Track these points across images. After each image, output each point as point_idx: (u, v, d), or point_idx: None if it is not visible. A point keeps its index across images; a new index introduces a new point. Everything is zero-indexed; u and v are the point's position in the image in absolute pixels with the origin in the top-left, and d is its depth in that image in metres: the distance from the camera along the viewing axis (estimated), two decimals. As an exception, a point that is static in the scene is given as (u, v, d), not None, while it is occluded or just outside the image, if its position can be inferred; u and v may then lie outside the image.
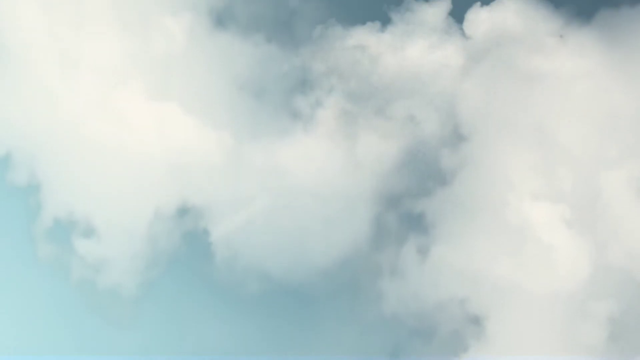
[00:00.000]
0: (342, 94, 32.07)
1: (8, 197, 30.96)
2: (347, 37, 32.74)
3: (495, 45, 31.74)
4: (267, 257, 30.48)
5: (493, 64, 31.48)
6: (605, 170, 29.62)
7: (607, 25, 30.83)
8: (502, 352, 28.56)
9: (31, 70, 31.38)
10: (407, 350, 29.72)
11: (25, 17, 31.66)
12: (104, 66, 31.47)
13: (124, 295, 30.41)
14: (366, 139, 31.47)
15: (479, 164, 30.42)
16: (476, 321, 28.98)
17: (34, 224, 30.81)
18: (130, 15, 31.92)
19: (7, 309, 30.17)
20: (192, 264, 30.81)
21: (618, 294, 28.60)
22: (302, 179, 30.94)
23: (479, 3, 32.30)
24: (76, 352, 29.81)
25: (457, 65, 32.10)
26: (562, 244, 28.95)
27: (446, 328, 29.28)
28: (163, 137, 31.10)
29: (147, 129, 31.14)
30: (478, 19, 32.24)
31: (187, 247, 30.85)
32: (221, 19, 32.35)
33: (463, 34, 32.45)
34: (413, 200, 30.77)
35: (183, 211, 30.81)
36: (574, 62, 30.85)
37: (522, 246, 29.11)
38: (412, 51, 32.43)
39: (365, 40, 32.68)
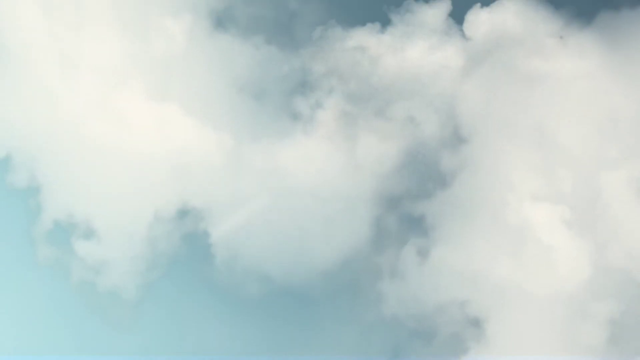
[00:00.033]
0: (342, 95, 32.06)
1: (8, 199, 30.96)
2: (347, 38, 32.72)
3: (495, 46, 31.72)
4: (267, 258, 30.49)
5: (493, 65, 31.46)
6: (605, 171, 29.61)
7: (607, 27, 30.83)
8: (502, 353, 28.57)
9: (31, 71, 31.37)
10: (407, 352, 29.73)
11: (25, 18, 31.65)
12: (104, 67, 31.46)
13: (124, 297, 30.42)
14: (366, 140, 31.47)
15: (479, 165, 30.41)
16: (476, 323, 28.98)
17: (34, 225, 30.82)
18: (131, 16, 31.89)
19: (7, 310, 30.19)
20: (192, 266, 30.82)
21: (618, 295, 28.60)
22: (302, 180, 30.93)
23: (479, 4, 32.28)
24: (76, 354, 29.81)
25: (457, 67, 32.08)
26: (562, 245, 28.94)
27: (446, 330, 29.28)
28: (163, 138, 31.08)
29: (147, 130, 31.13)
30: (478, 20, 32.21)
31: (187, 249, 30.88)
32: (221, 21, 32.38)
33: (463, 35, 32.44)
34: (413, 201, 30.78)
35: (183, 213, 30.81)
36: (574, 63, 30.83)
37: (522, 247, 29.10)
38: (412, 52, 32.42)
39: (365, 41, 32.65)
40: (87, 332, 30.12)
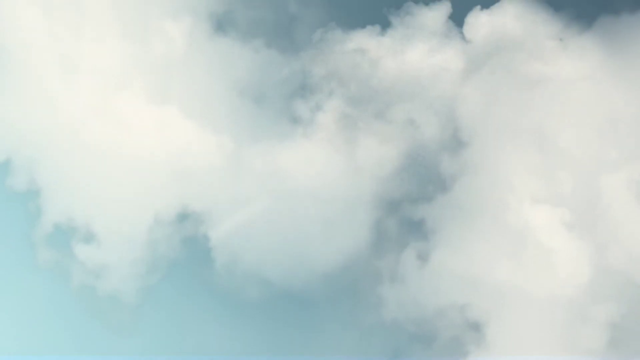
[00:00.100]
0: (342, 98, 32.05)
1: (8, 203, 30.97)
2: (347, 40, 32.71)
3: (495, 49, 31.70)
4: (267, 261, 30.47)
5: (493, 67, 31.44)
6: (606, 174, 29.59)
7: (607, 31, 30.85)
8: (503, 356, 28.56)
9: (31, 74, 31.36)
10: (407, 356, 29.70)
11: (25, 21, 31.63)
12: (104, 70, 31.45)
13: (124, 300, 30.42)
14: (366, 142, 31.46)
15: (479, 168, 30.39)
16: (476, 327, 28.96)
17: (34, 229, 30.81)
18: (130, 19, 31.89)
19: (7, 314, 30.18)
20: (192, 269, 30.82)
21: (618, 297, 28.58)
22: (302, 183, 30.92)
23: (479, 7, 32.26)
24: (76, 357, 29.82)
25: (457, 69, 32.07)
26: (562, 248, 28.93)
27: (446, 334, 29.26)
28: (163, 141, 31.07)
29: (147, 133, 31.12)
30: (478, 22, 32.21)
31: (187, 253, 30.88)
32: (221, 24, 32.38)
33: (463, 37, 32.43)
34: (413, 205, 30.76)
35: (183, 216, 30.80)
36: (574, 66, 30.82)
37: (523, 250, 29.09)
38: (412, 55, 32.40)
39: (365, 44, 32.65)
40: (88, 335, 30.12)
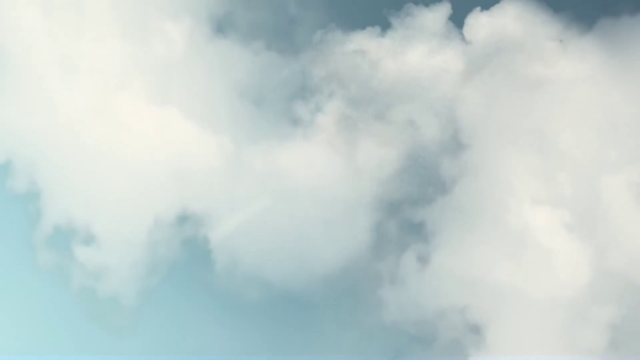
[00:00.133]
0: (342, 99, 32.04)
1: (8, 204, 30.97)
2: (347, 42, 32.71)
3: (495, 50, 31.69)
4: (267, 263, 30.48)
5: (493, 68, 31.44)
6: (606, 175, 29.59)
7: (607, 33, 30.84)
8: (503, 357, 28.56)
9: (31, 76, 31.36)
10: (407, 358, 29.73)
11: (25, 22, 31.62)
12: (104, 71, 31.45)
13: (124, 302, 30.41)
14: (366, 144, 31.46)
15: (479, 169, 30.39)
16: (476, 329, 28.97)
17: (34, 231, 30.81)
18: (130, 20, 31.87)
19: (7, 316, 30.18)
20: (192, 271, 30.81)
21: (619, 299, 28.58)
22: (302, 184, 30.91)
23: (479, 8, 32.26)
24: (76, 359, 29.84)
25: (457, 70, 32.07)
26: (562, 249, 28.93)
27: (446, 336, 29.26)
28: (163, 143, 31.08)
29: (147, 134, 31.12)
30: (478, 23, 32.19)
31: (187, 255, 30.89)
32: (221, 26, 32.39)
33: (463, 38, 32.43)
34: (413, 207, 30.75)
35: (183, 218, 30.81)
36: (574, 67, 30.80)
37: (523, 251, 29.09)
38: (412, 56, 32.39)
39: (365, 45, 32.64)
40: (87, 337, 30.11)
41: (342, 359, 29.97)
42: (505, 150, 30.28)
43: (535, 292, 28.62)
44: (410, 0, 32.65)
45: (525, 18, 31.78)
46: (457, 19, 32.44)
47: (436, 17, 32.56)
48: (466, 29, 32.34)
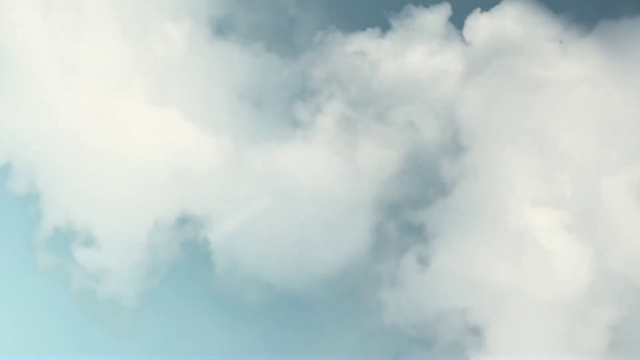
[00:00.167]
0: (342, 101, 32.02)
1: (8, 206, 30.96)
2: (347, 43, 32.68)
3: (495, 51, 31.68)
4: (267, 265, 30.47)
5: (493, 70, 31.42)
6: (606, 176, 29.59)
7: (607, 34, 30.82)
8: (503, 358, 28.57)
9: (31, 78, 31.35)
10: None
11: (25, 23, 31.59)
12: (104, 73, 31.43)
13: (124, 304, 30.40)
14: (366, 145, 31.44)
15: (479, 170, 30.38)
16: (476, 331, 28.95)
17: (34, 233, 30.81)
18: (131, 21, 31.85)
19: (7, 318, 30.18)
20: (192, 273, 30.80)
21: (619, 300, 28.58)
22: (302, 186, 30.90)
23: (479, 9, 32.24)
24: (76, 361, 29.94)
25: (457, 71, 32.05)
26: (562, 250, 28.93)
27: (446, 338, 29.24)
28: (163, 144, 31.08)
29: (147, 135, 31.12)
30: (478, 25, 32.18)
31: (187, 256, 30.87)
32: (221, 28, 32.37)
33: (463, 40, 32.41)
34: (413, 209, 30.74)
35: (183, 220, 30.79)
36: (574, 68, 30.79)
37: (523, 252, 29.09)
38: (412, 57, 32.38)
39: (365, 46, 32.62)
40: (88, 339, 30.11)
41: (342, 361, 30.09)
42: (505, 151, 30.28)
43: (535, 293, 28.61)
44: (410, 1, 32.70)
45: (525, 19, 31.77)
46: (457, 20, 32.47)
47: (436, 18, 32.55)
48: (466, 30, 32.34)
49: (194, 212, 30.69)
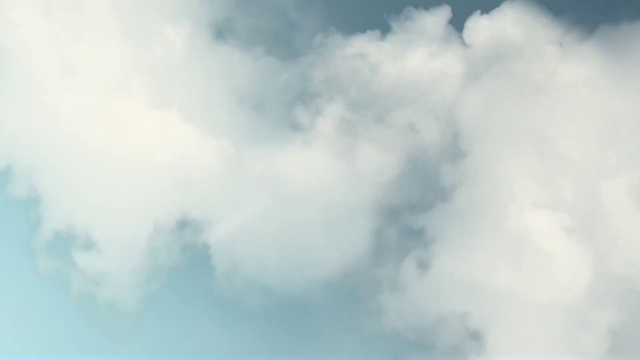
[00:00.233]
0: (342, 103, 32.01)
1: (8, 210, 30.99)
2: (347, 45, 32.68)
3: (495, 53, 31.66)
4: (267, 269, 30.49)
5: (493, 72, 31.42)
6: (605, 179, 29.59)
7: (607, 38, 30.79)
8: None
9: (31, 80, 31.33)
10: (407, 363, 29.82)
11: (25, 24, 31.60)
12: (104, 75, 31.42)
13: (123, 308, 30.44)
14: (366, 148, 31.42)
15: (479, 173, 30.36)
16: (476, 335, 28.95)
17: (34, 237, 30.86)
18: (131, 23, 31.83)
19: (8, 321, 30.19)
20: (192, 277, 30.84)
21: (619, 303, 28.57)
22: (302, 189, 30.89)
23: (478, 11, 32.23)
24: (76, 365, 29.95)
25: (457, 74, 32.03)
26: (562, 253, 28.93)
27: (446, 342, 29.24)
28: (163, 147, 31.07)
29: (147, 138, 31.12)
30: (478, 27, 32.16)
31: (187, 260, 30.90)
32: (221, 31, 32.40)
33: (463, 42, 32.39)
34: (413, 213, 30.72)
35: (183, 224, 30.81)
36: (574, 71, 30.76)
37: (523, 255, 29.10)
38: (412, 60, 32.36)
39: (365, 48, 32.60)
40: (87, 343, 30.14)
41: (342, 365, 30.09)
42: (505, 153, 30.26)
43: (535, 297, 28.62)
44: (410, 3, 32.69)
45: (525, 22, 31.73)
46: (457, 23, 32.46)
47: (436, 20, 32.53)
48: (466, 33, 32.33)
49: (194, 216, 30.72)
